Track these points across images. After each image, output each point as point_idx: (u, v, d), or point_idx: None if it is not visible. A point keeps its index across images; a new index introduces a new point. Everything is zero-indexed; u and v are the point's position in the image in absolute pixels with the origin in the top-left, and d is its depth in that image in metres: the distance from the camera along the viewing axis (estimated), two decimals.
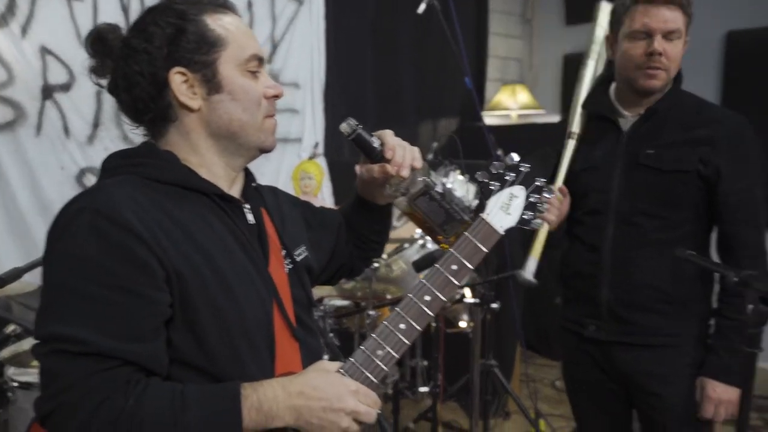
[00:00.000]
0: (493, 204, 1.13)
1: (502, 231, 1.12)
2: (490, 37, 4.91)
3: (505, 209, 1.13)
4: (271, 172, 3.60)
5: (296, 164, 3.55)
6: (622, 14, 1.65)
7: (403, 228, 3.00)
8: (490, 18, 4.91)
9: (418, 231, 2.87)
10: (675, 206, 1.68)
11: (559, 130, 5.45)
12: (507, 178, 1.14)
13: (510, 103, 4.68)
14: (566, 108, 5.09)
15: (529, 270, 1.57)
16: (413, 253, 2.80)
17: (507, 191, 1.14)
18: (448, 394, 3.33)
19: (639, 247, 1.70)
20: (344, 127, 1.11)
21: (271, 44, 3.63)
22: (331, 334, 2.47)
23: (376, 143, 1.13)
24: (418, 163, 1.15)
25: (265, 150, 1.13)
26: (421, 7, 2.92)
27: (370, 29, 4.18)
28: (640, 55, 1.62)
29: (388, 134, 1.17)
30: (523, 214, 1.13)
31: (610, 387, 1.81)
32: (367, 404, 1.00)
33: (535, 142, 4.34)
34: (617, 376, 1.78)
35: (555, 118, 5.12)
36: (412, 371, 3.63)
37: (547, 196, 1.14)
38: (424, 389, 3.10)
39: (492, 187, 1.13)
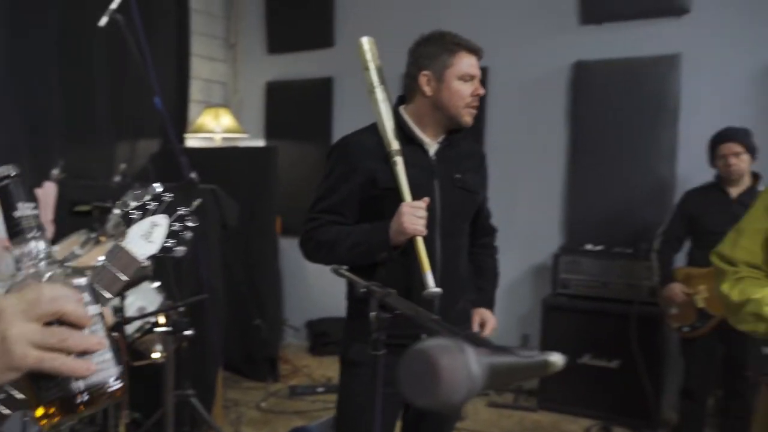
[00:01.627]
0: (135, 233, 1.11)
1: (142, 259, 1.10)
2: (192, 59, 4.82)
3: (146, 237, 1.12)
4: None
5: None
6: (448, 56, 1.85)
7: (88, 255, 2.76)
8: (192, 40, 4.83)
9: (102, 257, 2.67)
10: (469, 219, 2.04)
11: (263, 154, 5.55)
12: (149, 207, 1.13)
13: (213, 126, 4.66)
14: (270, 133, 5.24)
15: (431, 283, 1.73)
16: None
17: (149, 220, 1.13)
18: (143, 431, 3.15)
19: (457, 256, 1.96)
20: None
21: None
22: None
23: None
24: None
25: None
26: (103, 20, 2.74)
27: (55, 39, 3.81)
28: (468, 95, 1.87)
29: None
30: (165, 242, 1.14)
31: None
32: None
33: (239, 165, 4.40)
34: None
35: (259, 142, 5.24)
36: (104, 412, 3.35)
37: (189, 224, 1.15)
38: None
39: (133, 216, 1.12)
